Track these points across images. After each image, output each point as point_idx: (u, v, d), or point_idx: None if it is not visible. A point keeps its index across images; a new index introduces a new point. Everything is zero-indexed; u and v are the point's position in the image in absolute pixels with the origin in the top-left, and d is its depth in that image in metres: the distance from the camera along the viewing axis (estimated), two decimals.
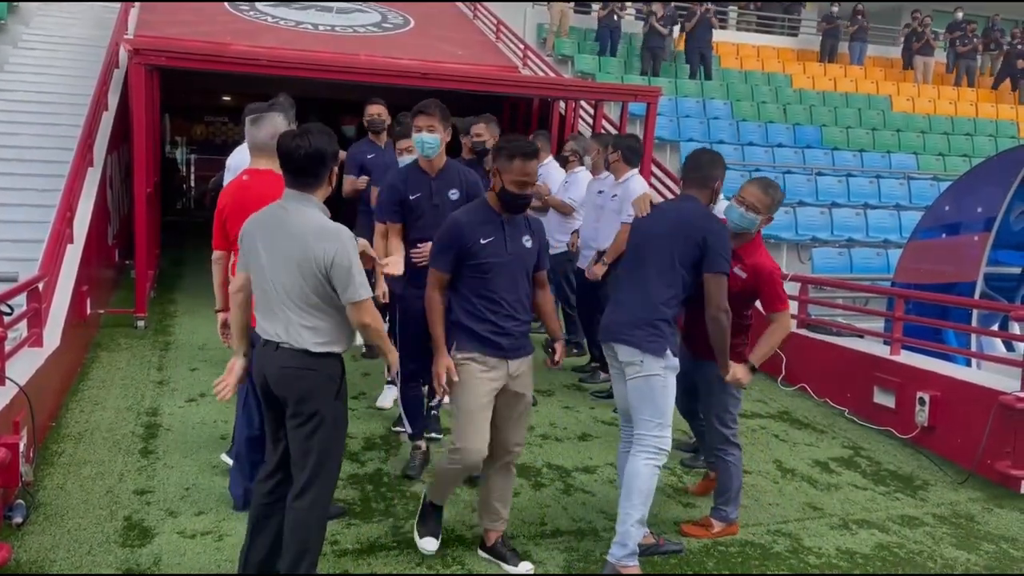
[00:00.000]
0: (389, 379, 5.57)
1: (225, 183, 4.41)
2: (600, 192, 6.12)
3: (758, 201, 3.87)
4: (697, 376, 4.06)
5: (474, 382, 3.48)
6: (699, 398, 4.19)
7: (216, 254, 3.94)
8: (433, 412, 5.03)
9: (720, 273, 3.65)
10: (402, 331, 4.38)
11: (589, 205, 6.33)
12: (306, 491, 3.10)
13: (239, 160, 4.74)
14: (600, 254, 5.96)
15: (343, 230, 3.06)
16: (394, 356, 3.41)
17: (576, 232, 6.63)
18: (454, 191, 4.25)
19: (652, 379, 3.61)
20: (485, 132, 5.95)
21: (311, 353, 3.06)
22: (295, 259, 3.01)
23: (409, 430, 4.37)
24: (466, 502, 4.25)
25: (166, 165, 13.64)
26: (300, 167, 3.04)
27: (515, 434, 3.66)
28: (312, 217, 3.05)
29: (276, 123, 3.83)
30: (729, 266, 3.71)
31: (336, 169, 3.21)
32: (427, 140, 4.21)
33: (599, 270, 5.90)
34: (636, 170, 5.90)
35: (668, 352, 3.63)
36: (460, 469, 3.54)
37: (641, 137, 10.08)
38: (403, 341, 4.31)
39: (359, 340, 5.42)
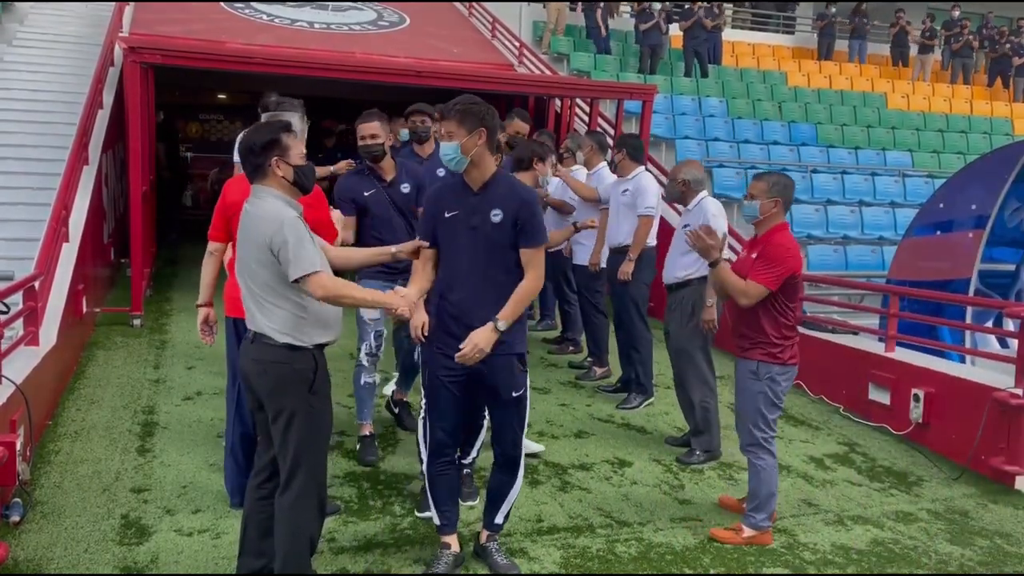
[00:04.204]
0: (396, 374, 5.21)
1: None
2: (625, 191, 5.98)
3: (754, 189, 4.16)
4: (735, 372, 4.16)
5: None
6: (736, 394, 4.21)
7: (212, 246, 3.88)
8: (467, 470, 4.09)
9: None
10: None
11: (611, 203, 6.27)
12: (288, 486, 3.13)
13: None
14: (617, 251, 5.94)
15: (284, 211, 3.06)
16: (384, 300, 3.29)
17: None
18: (496, 212, 3.28)
19: None
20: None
21: (278, 345, 3.07)
22: (254, 249, 3.07)
23: (436, 521, 3.52)
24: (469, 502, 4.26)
25: (178, 165, 13.33)
26: (242, 161, 3.15)
27: None
28: (264, 206, 3.09)
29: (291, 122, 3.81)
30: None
31: (292, 157, 3.13)
32: (445, 151, 3.30)
33: (628, 267, 5.79)
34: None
35: None
36: None
37: (637, 134, 10.13)
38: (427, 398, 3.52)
39: (387, 389, 5.34)
